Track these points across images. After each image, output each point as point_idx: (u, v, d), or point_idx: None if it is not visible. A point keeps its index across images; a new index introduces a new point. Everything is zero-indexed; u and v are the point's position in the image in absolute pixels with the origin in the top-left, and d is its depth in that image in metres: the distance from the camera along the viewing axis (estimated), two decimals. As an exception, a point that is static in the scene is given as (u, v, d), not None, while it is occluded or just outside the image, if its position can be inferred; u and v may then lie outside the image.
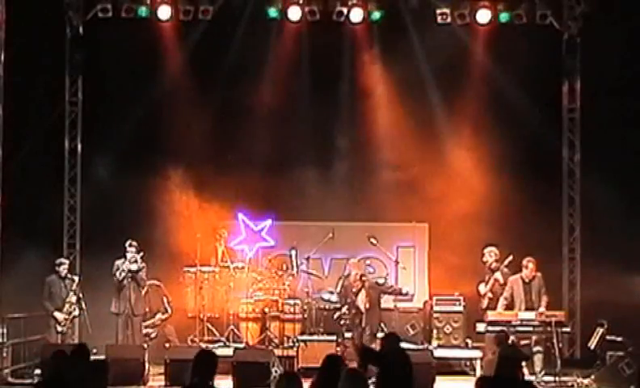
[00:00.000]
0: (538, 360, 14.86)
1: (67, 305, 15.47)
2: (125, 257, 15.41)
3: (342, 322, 15.61)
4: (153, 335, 16.09)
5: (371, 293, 15.14)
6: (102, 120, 17.83)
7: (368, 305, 15.00)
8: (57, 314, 15.43)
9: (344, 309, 15.52)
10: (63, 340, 15.23)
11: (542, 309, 14.76)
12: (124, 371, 13.61)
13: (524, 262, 15.04)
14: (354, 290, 15.16)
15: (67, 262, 15.99)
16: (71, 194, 17.98)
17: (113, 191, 17.27)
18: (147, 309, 15.97)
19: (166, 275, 16.51)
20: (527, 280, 15.02)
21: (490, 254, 15.74)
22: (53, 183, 17.69)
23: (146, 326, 15.96)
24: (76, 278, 15.71)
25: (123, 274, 15.41)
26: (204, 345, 15.36)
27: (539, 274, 15.14)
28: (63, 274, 15.62)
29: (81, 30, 17.86)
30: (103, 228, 17.14)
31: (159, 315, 16.30)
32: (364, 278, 15.23)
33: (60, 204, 17.84)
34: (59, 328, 15.43)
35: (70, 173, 18.00)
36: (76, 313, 15.53)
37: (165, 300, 16.36)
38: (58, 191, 17.85)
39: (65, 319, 15.46)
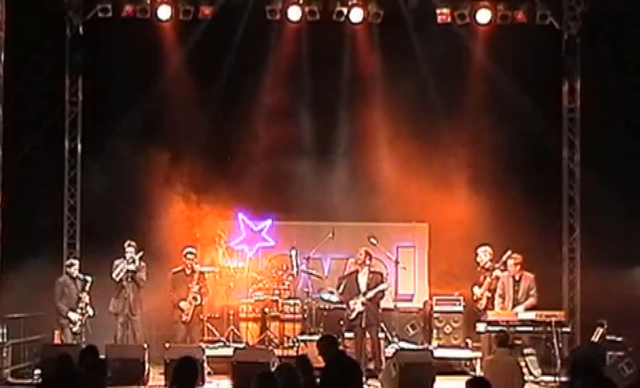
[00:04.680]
0: (531, 361, 14.90)
1: (82, 305, 15.50)
2: (124, 257, 15.44)
3: (342, 322, 15.61)
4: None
5: (373, 277, 15.12)
6: (102, 120, 17.82)
7: (366, 288, 15.00)
8: (72, 315, 15.45)
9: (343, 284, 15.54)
10: (76, 341, 15.20)
11: (519, 308, 14.78)
12: (124, 371, 13.62)
13: (507, 258, 15.16)
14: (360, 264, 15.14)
15: (77, 262, 16.00)
16: (71, 194, 17.97)
17: (113, 191, 17.26)
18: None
19: (166, 275, 16.48)
20: (515, 278, 15.09)
21: (485, 253, 15.76)
22: (53, 183, 17.68)
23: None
24: (89, 278, 15.68)
25: (121, 274, 15.45)
26: (204, 345, 15.35)
27: (531, 275, 15.17)
28: (74, 274, 15.65)
29: (81, 30, 17.85)
30: (103, 228, 17.13)
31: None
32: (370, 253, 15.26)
33: (60, 204, 17.84)
34: (74, 328, 15.45)
35: (70, 173, 17.98)
36: (90, 312, 15.54)
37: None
38: (58, 191, 17.84)
39: (80, 320, 15.49)
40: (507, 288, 15.12)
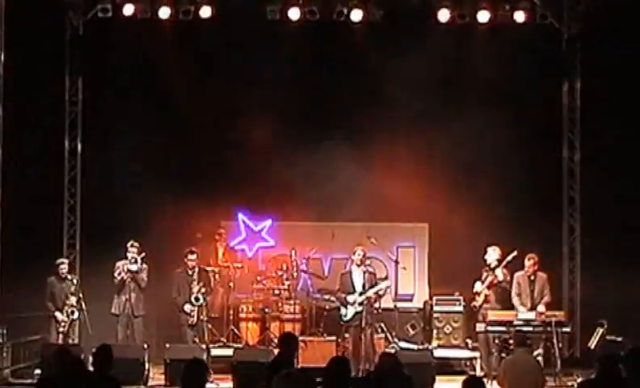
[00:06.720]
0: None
1: (67, 307, 15.47)
2: (127, 258, 15.45)
3: (342, 322, 15.60)
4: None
5: (369, 277, 15.11)
6: (102, 120, 17.83)
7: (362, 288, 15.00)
8: (58, 315, 15.43)
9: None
10: (64, 341, 15.22)
11: (541, 307, 14.82)
12: (124, 371, 13.60)
13: (525, 258, 15.19)
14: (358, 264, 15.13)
15: (67, 262, 15.99)
16: (71, 194, 17.98)
17: (113, 191, 17.27)
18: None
19: (167, 275, 16.49)
20: (531, 277, 15.13)
21: (494, 252, 15.73)
22: (53, 183, 17.68)
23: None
24: (76, 279, 15.69)
25: (123, 274, 15.45)
26: (204, 346, 15.34)
27: (544, 274, 15.20)
28: (63, 275, 15.63)
29: (81, 30, 17.87)
30: (103, 228, 17.14)
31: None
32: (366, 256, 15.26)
33: (60, 205, 17.84)
34: (60, 329, 15.42)
35: (70, 173, 17.99)
36: (75, 316, 15.50)
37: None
38: (58, 191, 17.85)
39: (65, 321, 15.46)
40: (522, 287, 15.16)
